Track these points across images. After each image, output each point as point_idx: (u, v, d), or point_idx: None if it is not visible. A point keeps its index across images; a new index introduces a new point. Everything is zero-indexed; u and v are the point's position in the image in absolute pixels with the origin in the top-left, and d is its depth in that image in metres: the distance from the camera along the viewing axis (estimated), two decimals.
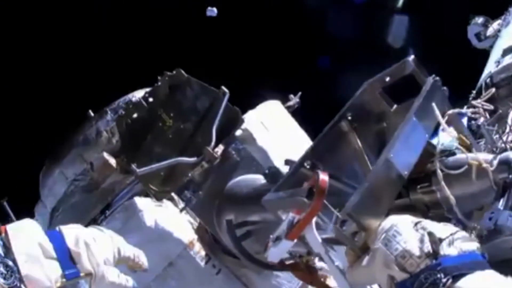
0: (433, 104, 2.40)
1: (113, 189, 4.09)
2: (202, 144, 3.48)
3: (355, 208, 2.04)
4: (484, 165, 2.20)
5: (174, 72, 3.63)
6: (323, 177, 2.09)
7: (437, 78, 2.59)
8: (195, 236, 3.60)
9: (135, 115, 3.48)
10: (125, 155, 3.44)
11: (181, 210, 3.44)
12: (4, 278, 1.77)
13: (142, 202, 3.54)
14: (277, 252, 2.15)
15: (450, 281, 1.79)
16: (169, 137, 3.53)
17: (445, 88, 2.59)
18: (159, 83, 3.58)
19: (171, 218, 3.56)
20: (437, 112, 2.35)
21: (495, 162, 2.21)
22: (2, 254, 1.82)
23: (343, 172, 2.58)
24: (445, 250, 1.91)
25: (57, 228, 2.07)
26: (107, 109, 4.64)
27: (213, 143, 3.44)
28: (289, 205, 2.24)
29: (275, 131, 4.04)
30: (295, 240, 2.10)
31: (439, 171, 2.28)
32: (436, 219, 2.17)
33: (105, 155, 4.15)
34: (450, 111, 2.47)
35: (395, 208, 2.30)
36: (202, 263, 3.49)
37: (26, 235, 1.94)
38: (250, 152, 3.70)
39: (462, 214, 2.24)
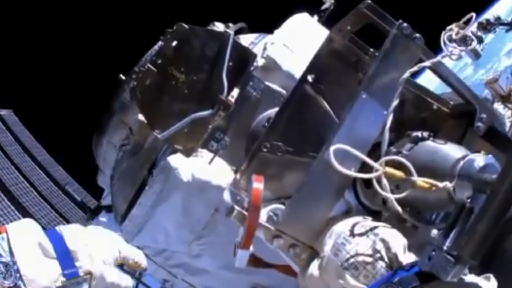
0: None
1: (155, 147, 4.17)
2: (217, 91, 3.47)
3: (287, 222, 1.93)
4: (436, 187, 1.86)
5: (175, 27, 3.56)
6: (257, 186, 1.97)
7: (405, 24, 2.22)
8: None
9: (147, 82, 3.46)
10: (147, 122, 3.48)
11: (209, 162, 3.47)
12: (4, 278, 1.78)
13: (175, 159, 3.56)
14: (239, 260, 2.14)
15: None
16: (185, 92, 3.47)
17: (418, 35, 2.25)
18: (163, 43, 3.55)
19: (207, 166, 3.52)
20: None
21: (457, 170, 1.86)
22: (2, 254, 1.83)
23: (312, 143, 2.37)
24: (400, 258, 1.79)
25: (56, 228, 2.05)
26: (135, 69, 4.64)
27: (226, 89, 3.38)
28: None
29: (302, 50, 3.86)
30: (251, 248, 2.06)
31: (384, 183, 2.01)
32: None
33: (140, 116, 4.22)
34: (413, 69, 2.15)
35: None
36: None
37: (26, 235, 1.93)
38: (269, 86, 3.62)
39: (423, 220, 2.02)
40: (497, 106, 11.32)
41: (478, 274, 1.82)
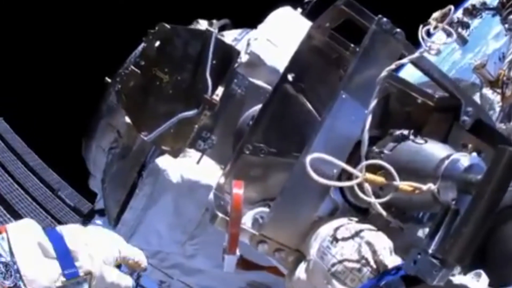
0: None
1: (143, 149, 4.13)
2: (202, 90, 3.42)
3: (270, 227, 1.90)
4: (419, 190, 1.77)
5: (157, 27, 3.51)
6: (236, 191, 1.94)
7: (384, 20, 2.11)
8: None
9: (131, 84, 3.40)
10: (133, 124, 3.44)
11: (197, 162, 3.43)
12: (4, 278, 1.76)
13: (164, 161, 3.51)
14: (227, 265, 2.11)
15: None
16: (170, 93, 3.43)
17: (398, 30, 2.14)
18: (145, 44, 3.49)
19: (195, 166, 3.48)
20: None
21: (441, 171, 1.76)
22: (2, 254, 1.82)
23: (295, 143, 2.32)
24: (386, 261, 1.74)
25: (56, 228, 2.02)
26: (121, 71, 4.59)
27: (210, 88, 3.35)
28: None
29: (285, 44, 3.82)
30: (238, 253, 2.03)
31: (367, 187, 1.92)
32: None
33: (127, 119, 4.17)
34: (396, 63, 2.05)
35: None
36: None
37: (26, 235, 1.90)
38: (254, 82, 3.57)
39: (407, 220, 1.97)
40: (485, 91, 11.30)
41: (470, 266, 1.79)
